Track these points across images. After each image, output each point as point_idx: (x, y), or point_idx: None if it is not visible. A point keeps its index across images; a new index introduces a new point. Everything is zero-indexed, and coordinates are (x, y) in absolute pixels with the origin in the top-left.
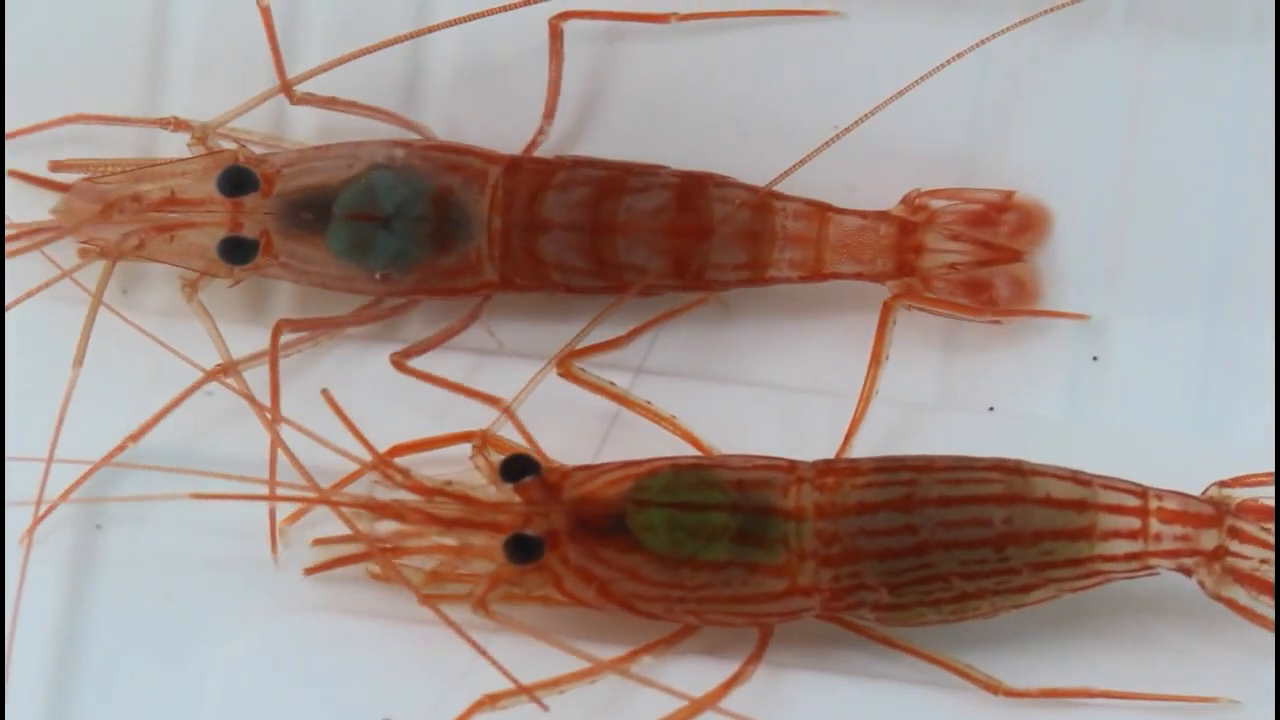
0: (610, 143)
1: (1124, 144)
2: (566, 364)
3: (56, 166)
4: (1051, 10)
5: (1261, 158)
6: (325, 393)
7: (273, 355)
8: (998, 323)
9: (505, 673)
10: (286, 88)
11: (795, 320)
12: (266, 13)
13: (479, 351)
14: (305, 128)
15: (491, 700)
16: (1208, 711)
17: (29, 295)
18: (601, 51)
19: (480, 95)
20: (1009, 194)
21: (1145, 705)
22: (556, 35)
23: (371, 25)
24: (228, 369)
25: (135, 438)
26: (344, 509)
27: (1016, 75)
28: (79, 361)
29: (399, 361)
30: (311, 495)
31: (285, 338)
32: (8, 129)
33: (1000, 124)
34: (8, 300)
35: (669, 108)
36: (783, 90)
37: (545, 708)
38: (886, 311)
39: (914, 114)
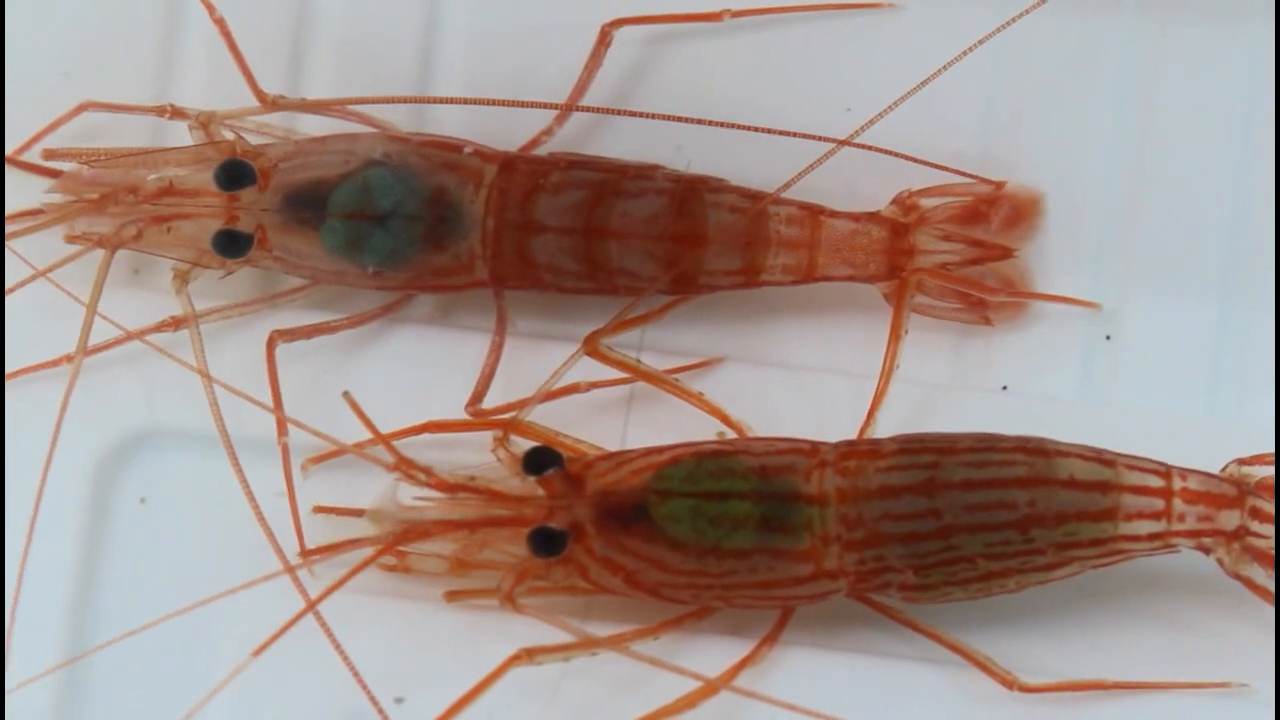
0: (616, 144)
1: (1137, 125)
2: (593, 343)
3: (51, 155)
4: None
5: (1273, 139)
6: (347, 395)
7: (270, 368)
8: (1013, 305)
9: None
10: (260, 96)
11: (814, 300)
12: (222, 24)
13: (484, 331)
14: (305, 118)
15: (529, 655)
16: (1226, 688)
17: (19, 286)
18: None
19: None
20: (999, 184)
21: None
22: (604, 42)
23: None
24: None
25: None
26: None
27: (1029, 58)
28: (82, 349)
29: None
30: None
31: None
32: (21, 119)
33: (1013, 107)
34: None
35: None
36: (791, 85)
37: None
38: (904, 285)
39: (927, 99)
